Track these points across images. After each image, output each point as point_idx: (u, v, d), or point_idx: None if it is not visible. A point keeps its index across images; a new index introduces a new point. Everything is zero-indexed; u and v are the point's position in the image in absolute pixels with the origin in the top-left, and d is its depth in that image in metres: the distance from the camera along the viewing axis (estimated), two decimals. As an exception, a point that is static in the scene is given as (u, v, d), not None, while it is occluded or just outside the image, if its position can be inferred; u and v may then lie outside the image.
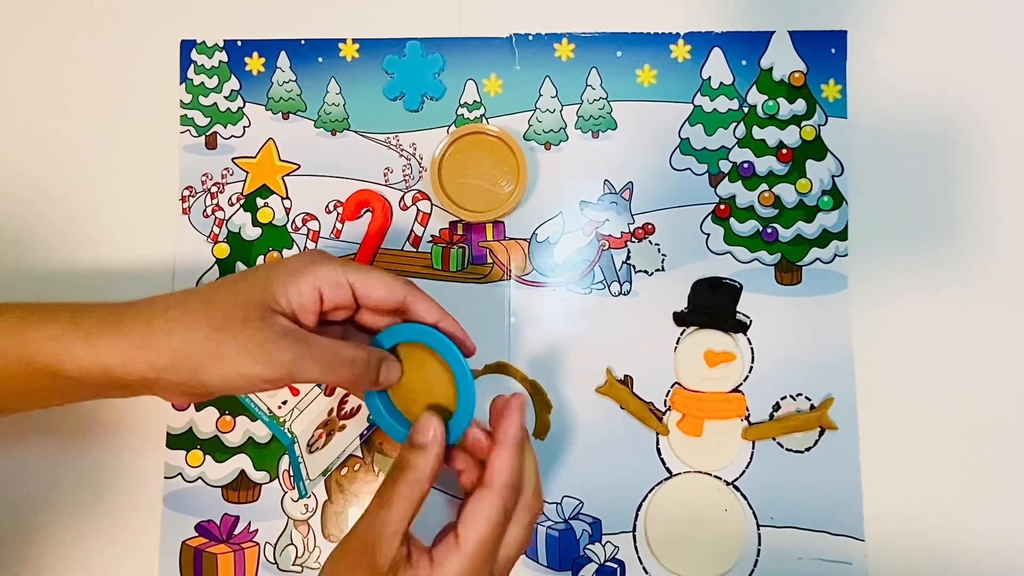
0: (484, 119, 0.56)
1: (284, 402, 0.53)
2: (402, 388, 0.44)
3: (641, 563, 0.52)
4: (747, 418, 0.53)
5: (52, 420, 0.54)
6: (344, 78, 0.57)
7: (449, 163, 0.54)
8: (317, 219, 0.56)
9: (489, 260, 0.55)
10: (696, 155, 0.56)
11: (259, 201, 0.56)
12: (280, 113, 0.57)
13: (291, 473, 0.53)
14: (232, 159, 0.56)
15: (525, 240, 0.55)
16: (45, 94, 0.57)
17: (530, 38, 0.57)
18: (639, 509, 0.53)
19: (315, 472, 0.52)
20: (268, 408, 0.53)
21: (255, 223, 0.56)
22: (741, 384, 0.54)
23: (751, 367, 0.54)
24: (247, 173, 0.56)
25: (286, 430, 0.52)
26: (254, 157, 0.56)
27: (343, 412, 0.53)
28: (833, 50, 0.56)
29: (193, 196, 0.56)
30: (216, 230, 0.56)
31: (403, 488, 0.39)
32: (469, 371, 0.41)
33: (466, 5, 0.57)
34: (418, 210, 0.56)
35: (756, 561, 0.52)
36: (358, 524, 0.39)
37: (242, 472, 0.54)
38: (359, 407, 0.53)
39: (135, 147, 0.57)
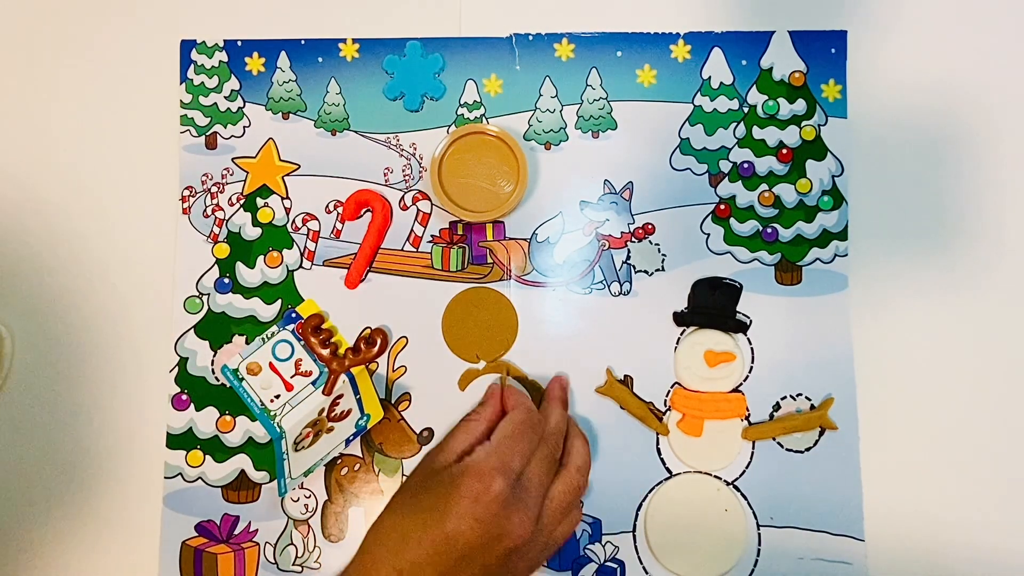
0: (484, 119, 0.56)
1: (277, 396, 0.53)
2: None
3: (641, 563, 0.52)
4: (747, 418, 0.53)
5: (52, 420, 0.54)
6: (344, 78, 0.57)
7: (449, 163, 0.54)
8: (317, 219, 0.56)
9: (489, 260, 0.55)
10: (696, 155, 0.56)
11: (259, 201, 0.56)
12: (280, 113, 0.57)
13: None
14: (232, 159, 0.56)
15: (525, 240, 0.55)
16: (45, 94, 0.57)
17: (530, 38, 0.57)
18: (639, 509, 0.53)
19: (297, 471, 0.52)
20: (261, 400, 0.53)
21: (255, 223, 0.56)
22: (741, 384, 0.54)
23: (751, 367, 0.54)
24: (247, 173, 0.56)
25: (276, 424, 0.52)
26: (254, 157, 0.56)
27: (333, 414, 0.53)
28: (833, 50, 0.56)
29: (193, 196, 0.56)
30: (216, 230, 0.56)
31: (471, 425, 0.49)
32: None
33: (466, 5, 0.57)
34: (418, 210, 0.56)
35: (756, 561, 0.52)
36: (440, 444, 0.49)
37: (242, 472, 0.54)
38: (349, 410, 0.53)
39: (135, 147, 0.57)
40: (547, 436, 0.49)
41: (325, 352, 0.53)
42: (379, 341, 0.53)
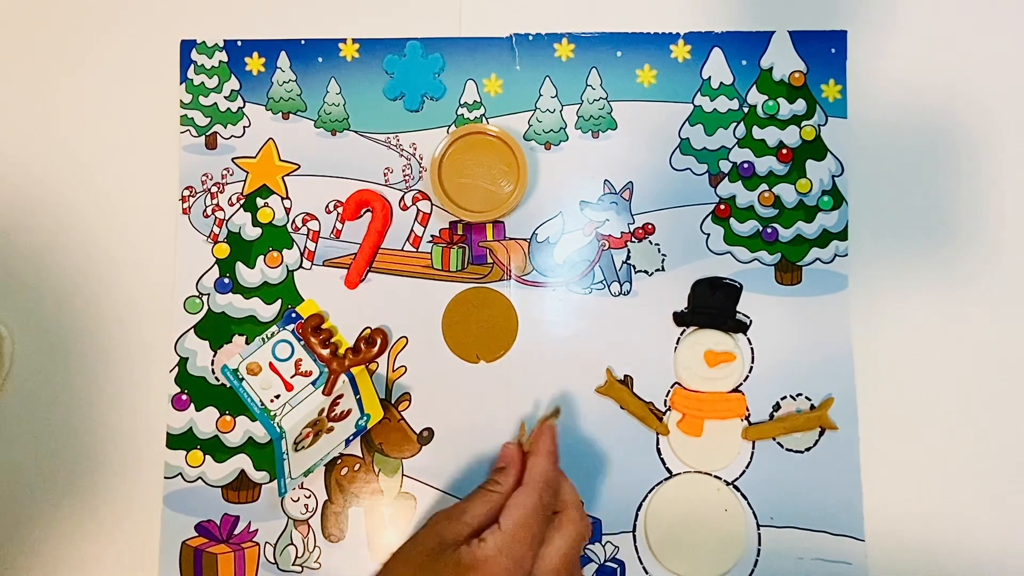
0: (484, 119, 0.56)
1: (277, 396, 0.53)
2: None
3: (641, 563, 0.52)
4: (747, 418, 0.53)
5: (52, 420, 0.54)
6: (344, 78, 0.57)
7: (449, 163, 0.54)
8: (317, 219, 0.56)
9: (489, 260, 0.55)
10: (696, 155, 0.56)
11: (259, 201, 0.56)
12: (280, 113, 0.57)
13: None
14: (232, 159, 0.56)
15: (525, 240, 0.55)
16: (45, 94, 0.57)
17: (530, 38, 0.57)
18: (639, 509, 0.53)
19: (297, 471, 0.52)
20: (261, 400, 0.53)
21: (255, 223, 0.56)
22: (741, 384, 0.54)
23: (751, 367, 0.54)
24: (247, 173, 0.56)
25: (276, 424, 0.52)
26: (254, 157, 0.56)
27: (333, 414, 0.53)
28: (833, 50, 0.56)
29: (193, 196, 0.56)
30: (216, 230, 0.56)
31: (489, 496, 0.46)
32: None
33: (466, 5, 0.57)
34: (418, 210, 0.56)
35: (756, 561, 0.52)
36: (440, 513, 0.45)
37: (242, 472, 0.54)
38: (349, 411, 0.53)
39: (135, 147, 0.57)
40: (562, 519, 0.46)
41: (325, 352, 0.53)
42: (379, 341, 0.53)
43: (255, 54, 0.57)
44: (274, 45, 0.57)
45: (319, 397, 0.53)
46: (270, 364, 0.54)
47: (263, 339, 0.54)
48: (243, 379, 0.53)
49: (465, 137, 0.54)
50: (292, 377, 0.53)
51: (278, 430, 0.52)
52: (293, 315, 0.54)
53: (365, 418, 0.53)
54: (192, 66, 0.57)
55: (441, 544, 0.43)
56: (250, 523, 0.53)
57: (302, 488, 0.53)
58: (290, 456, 0.52)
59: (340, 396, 0.53)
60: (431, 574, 0.42)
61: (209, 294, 0.55)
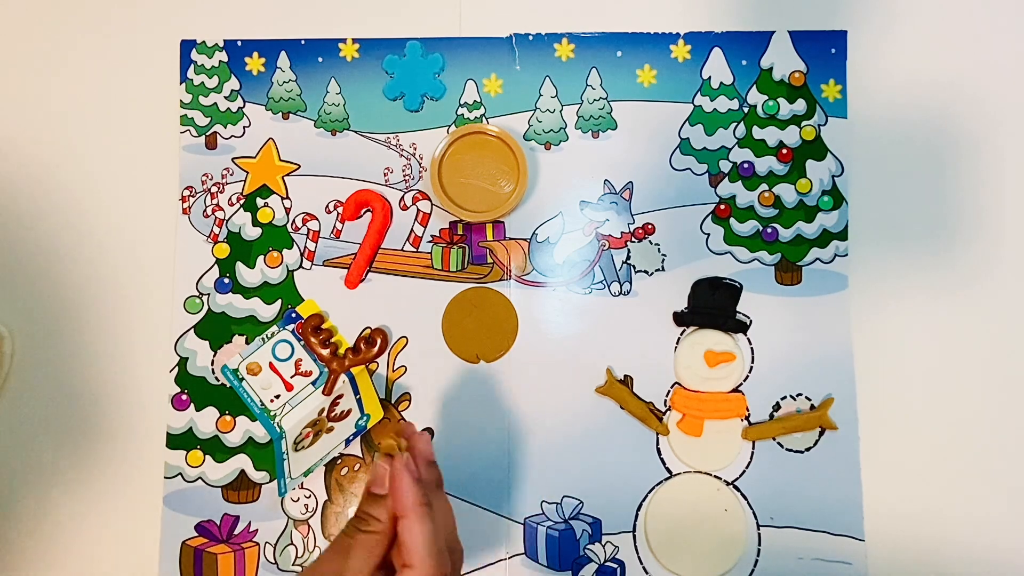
0: (484, 119, 0.56)
1: (277, 396, 0.53)
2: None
3: (641, 563, 0.52)
4: (747, 418, 0.53)
5: (52, 420, 0.54)
6: (344, 78, 0.57)
7: (449, 163, 0.54)
8: (317, 219, 0.56)
9: (489, 260, 0.55)
10: (696, 155, 0.56)
11: (259, 201, 0.56)
12: (280, 113, 0.57)
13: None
14: (232, 159, 0.56)
15: (525, 240, 0.55)
16: (45, 94, 0.57)
17: (530, 38, 0.57)
18: (639, 509, 0.53)
19: (297, 471, 0.52)
20: (261, 400, 0.53)
21: (255, 223, 0.56)
22: (741, 384, 0.54)
23: (751, 367, 0.54)
24: (247, 173, 0.56)
25: (276, 424, 0.52)
26: (254, 157, 0.56)
27: (333, 414, 0.53)
28: (833, 50, 0.56)
29: (193, 196, 0.56)
30: (216, 230, 0.56)
31: (367, 538, 0.39)
32: None
33: (466, 5, 0.57)
34: (418, 210, 0.56)
35: (756, 561, 0.52)
36: (318, 568, 0.39)
37: (242, 472, 0.54)
38: (349, 410, 0.53)
39: (135, 147, 0.57)
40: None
41: (325, 352, 0.53)
42: (379, 341, 0.53)
43: (255, 54, 0.57)
44: (274, 45, 0.57)
45: (319, 397, 0.53)
46: (270, 364, 0.54)
47: (263, 339, 0.54)
48: (243, 379, 0.53)
49: (465, 137, 0.54)
50: (292, 377, 0.53)
51: (278, 430, 0.52)
52: (293, 315, 0.54)
53: (365, 418, 0.53)
54: (192, 66, 0.57)
55: None
56: (250, 523, 0.53)
57: (302, 488, 0.53)
58: (290, 456, 0.52)
59: (340, 396, 0.53)
60: None
61: (209, 294, 0.55)
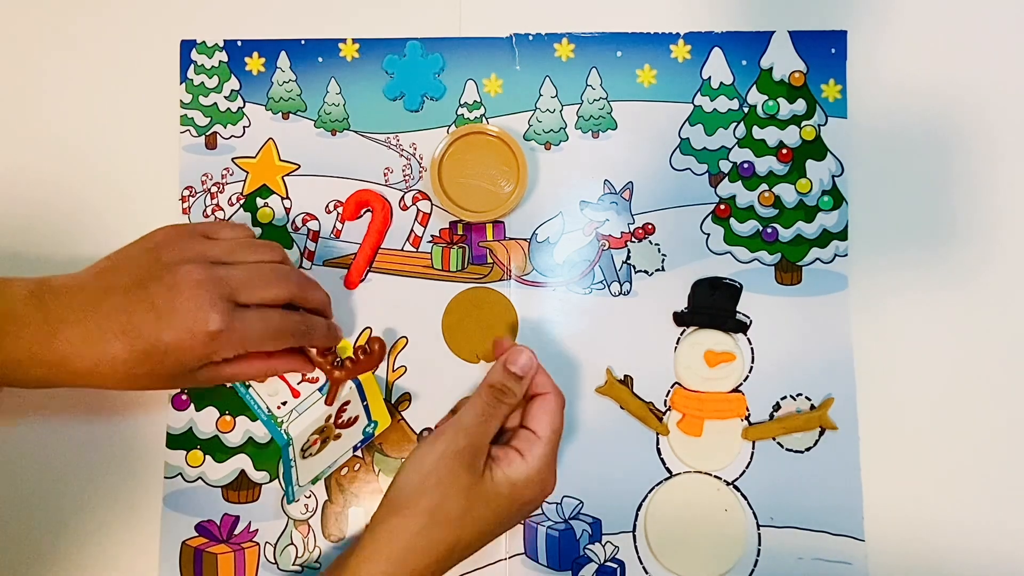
0: (484, 119, 0.56)
1: (284, 402, 0.53)
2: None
3: (641, 563, 0.52)
4: (747, 418, 0.53)
5: (52, 419, 0.54)
6: (344, 78, 0.57)
7: (449, 163, 0.54)
8: (317, 219, 0.56)
9: (489, 260, 0.55)
10: (696, 155, 0.56)
11: (259, 201, 0.56)
12: (280, 113, 0.57)
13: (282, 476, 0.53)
14: (232, 159, 0.56)
15: (525, 240, 0.55)
16: (45, 94, 0.57)
17: (530, 38, 0.57)
18: (639, 509, 0.53)
19: (305, 478, 0.52)
20: (267, 407, 0.53)
21: (255, 223, 0.56)
22: (741, 384, 0.54)
23: (751, 367, 0.54)
24: (247, 173, 0.56)
25: (283, 431, 0.52)
26: (254, 157, 0.56)
27: (340, 421, 0.52)
28: (833, 50, 0.56)
29: (193, 196, 0.56)
30: (216, 230, 0.56)
31: (503, 408, 0.47)
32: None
33: (466, 5, 0.57)
34: (418, 210, 0.56)
35: (756, 561, 0.52)
36: (462, 426, 0.46)
37: (242, 472, 0.54)
38: (356, 417, 0.53)
39: (135, 147, 0.57)
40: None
41: (322, 360, 0.52)
42: (375, 350, 0.52)
43: (255, 54, 0.57)
44: (274, 45, 0.57)
45: (325, 405, 0.53)
46: None
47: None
48: (250, 385, 0.53)
49: (465, 137, 0.54)
50: (299, 384, 0.53)
51: (285, 437, 0.52)
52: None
53: (373, 425, 0.53)
54: (192, 66, 0.57)
55: (475, 471, 0.44)
56: (250, 523, 0.53)
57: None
58: (298, 463, 0.52)
59: (347, 403, 0.53)
60: (478, 500, 0.44)
61: (209, 294, 0.55)
